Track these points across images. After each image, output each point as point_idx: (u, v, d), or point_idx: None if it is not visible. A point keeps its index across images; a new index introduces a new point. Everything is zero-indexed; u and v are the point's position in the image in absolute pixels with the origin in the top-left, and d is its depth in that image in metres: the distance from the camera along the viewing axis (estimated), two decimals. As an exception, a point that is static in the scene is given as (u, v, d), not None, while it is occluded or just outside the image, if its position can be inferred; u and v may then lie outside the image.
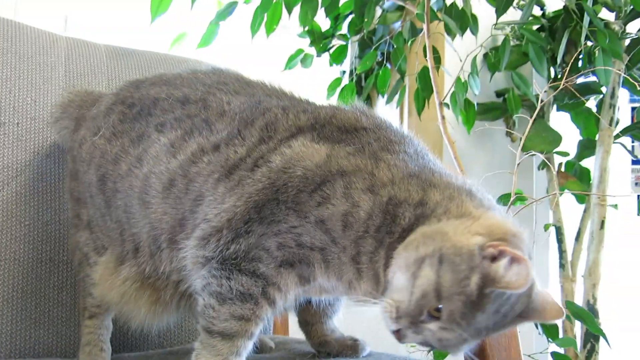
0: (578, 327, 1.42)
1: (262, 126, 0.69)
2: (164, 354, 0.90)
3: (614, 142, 1.46)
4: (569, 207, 1.54)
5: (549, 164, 1.41)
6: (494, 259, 0.54)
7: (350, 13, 1.58)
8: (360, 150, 0.64)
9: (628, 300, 1.57)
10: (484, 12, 1.44)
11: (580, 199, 1.51)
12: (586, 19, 1.28)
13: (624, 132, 1.50)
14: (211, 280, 0.65)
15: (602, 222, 1.41)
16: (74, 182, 0.86)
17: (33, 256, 0.93)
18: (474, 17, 1.38)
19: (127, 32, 1.65)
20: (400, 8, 1.54)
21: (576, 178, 1.52)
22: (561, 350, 1.32)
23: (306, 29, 1.59)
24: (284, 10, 1.37)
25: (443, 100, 1.31)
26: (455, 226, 0.56)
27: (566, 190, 1.47)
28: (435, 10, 1.39)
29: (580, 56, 1.41)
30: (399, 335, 0.58)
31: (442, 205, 0.59)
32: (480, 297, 0.54)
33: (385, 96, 1.58)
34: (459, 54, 1.40)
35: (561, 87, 1.19)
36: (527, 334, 1.50)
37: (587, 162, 1.54)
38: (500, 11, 1.29)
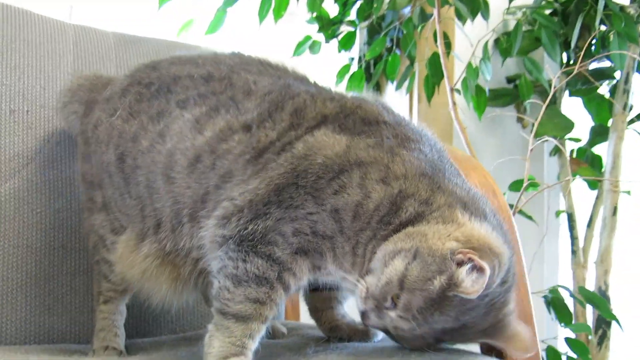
0: (589, 314, 1.42)
1: (292, 111, 0.71)
2: (177, 340, 0.90)
3: (627, 128, 1.44)
4: (581, 193, 1.53)
5: (562, 148, 1.39)
6: (461, 264, 0.58)
7: (359, -1, 1.56)
8: (379, 144, 0.66)
9: (640, 287, 1.56)
10: (495, -4, 1.42)
11: (593, 185, 1.50)
12: (601, 2, 1.26)
13: (638, 117, 1.48)
14: (227, 263, 0.65)
15: (615, 209, 1.40)
16: (86, 165, 0.86)
17: (46, 243, 0.93)
18: (485, 2, 1.36)
19: (132, 22, 1.64)
20: (410, -7, 1.52)
21: (588, 165, 1.51)
22: (571, 337, 1.31)
23: (314, 15, 1.58)
24: (292, -4, 1.35)
25: (454, 86, 1.29)
26: (438, 230, 0.61)
27: (579, 176, 1.45)
28: (446, -5, 1.37)
29: (593, 41, 1.39)
30: (364, 316, 0.64)
31: (440, 210, 0.62)
32: (442, 299, 0.58)
33: (395, 83, 1.57)
34: (470, 39, 1.38)
35: (575, 72, 1.17)
36: (539, 320, 1.50)
37: (599, 150, 1.53)
38: (512, -5, 1.27)
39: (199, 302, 1.01)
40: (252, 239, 0.65)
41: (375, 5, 1.49)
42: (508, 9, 1.38)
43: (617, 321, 1.20)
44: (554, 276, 1.59)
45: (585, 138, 1.54)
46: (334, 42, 1.62)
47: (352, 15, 1.61)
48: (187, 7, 1.62)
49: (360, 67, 1.61)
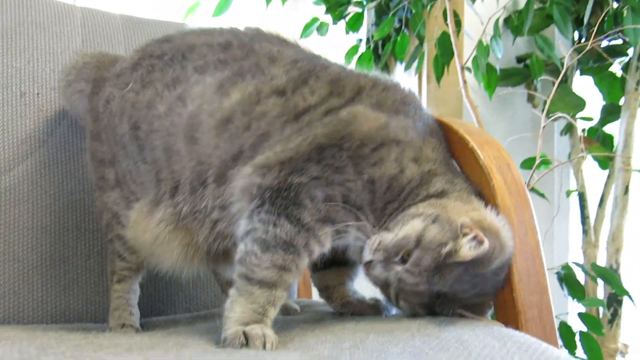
0: (600, 294, 1.42)
1: (329, 81, 0.74)
2: (191, 318, 0.91)
3: (639, 106, 1.42)
4: (592, 173, 1.52)
5: (574, 124, 1.38)
6: (466, 236, 0.64)
7: (367, -22, 1.54)
8: (413, 127, 0.72)
9: (651, 266, 1.55)
10: (506, -27, 1.40)
11: (604, 164, 1.49)
12: (614, -23, 1.24)
13: (651, 95, 1.45)
14: (257, 226, 0.66)
15: (627, 188, 1.39)
16: (96, 143, 0.86)
17: (60, 224, 0.94)
18: (496, -22, 1.34)
19: (139, 4, 1.63)
20: (419, -29, 1.49)
21: (599, 144, 1.49)
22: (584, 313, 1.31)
23: (322, -5, 1.56)
24: (300, -24, 1.34)
25: (464, 64, 1.28)
26: (458, 206, 0.67)
27: (591, 154, 1.44)
28: (456, -28, 1.35)
29: (606, 18, 1.36)
30: (369, 266, 0.67)
31: (461, 192, 0.70)
32: (446, 264, 0.63)
33: (404, 63, 1.55)
34: (481, 16, 1.36)
35: (588, 48, 1.15)
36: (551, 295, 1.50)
37: (610, 129, 1.51)
38: (523, -29, 1.25)
39: (213, 281, 1.02)
40: (287, 196, 0.66)
41: (383, -15, 1.47)
42: (519, -15, 1.36)
43: (630, 296, 1.20)
44: (565, 255, 1.59)
45: (596, 118, 1.52)
46: (342, 24, 1.61)
47: (360, -5, 1.59)
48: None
49: (368, 48, 1.59)
